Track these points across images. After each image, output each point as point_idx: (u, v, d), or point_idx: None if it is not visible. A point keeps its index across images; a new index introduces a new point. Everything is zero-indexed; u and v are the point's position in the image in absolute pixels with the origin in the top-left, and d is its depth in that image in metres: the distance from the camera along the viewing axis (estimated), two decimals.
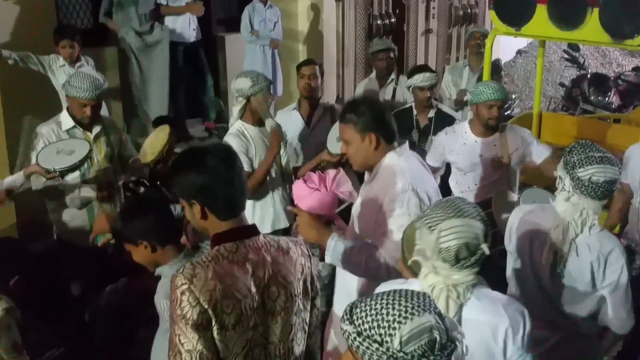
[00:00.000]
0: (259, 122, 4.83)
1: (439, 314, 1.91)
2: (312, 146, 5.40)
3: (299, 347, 2.77)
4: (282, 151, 4.90)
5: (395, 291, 1.94)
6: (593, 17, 5.03)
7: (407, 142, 3.52)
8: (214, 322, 2.46)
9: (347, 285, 3.52)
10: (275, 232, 4.66)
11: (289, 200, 4.65)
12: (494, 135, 4.95)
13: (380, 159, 3.36)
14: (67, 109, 4.78)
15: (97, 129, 4.83)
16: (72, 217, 4.83)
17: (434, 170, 5.00)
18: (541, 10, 5.29)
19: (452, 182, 5.21)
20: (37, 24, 6.56)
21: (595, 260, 3.23)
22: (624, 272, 3.24)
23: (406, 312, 1.87)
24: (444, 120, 5.76)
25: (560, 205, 3.29)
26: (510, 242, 3.50)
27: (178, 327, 2.46)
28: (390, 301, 1.90)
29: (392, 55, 6.86)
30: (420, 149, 5.75)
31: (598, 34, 5.05)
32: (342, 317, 1.94)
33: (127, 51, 7.49)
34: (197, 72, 8.43)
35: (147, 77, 7.65)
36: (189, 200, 2.59)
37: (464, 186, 5.05)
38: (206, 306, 2.44)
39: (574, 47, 10.53)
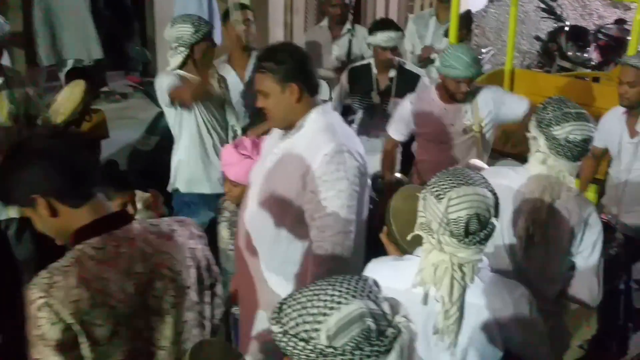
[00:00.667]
0: (201, 75, 4.73)
1: (375, 298, 1.87)
2: (248, 103, 5.25)
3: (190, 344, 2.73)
4: (228, 109, 4.90)
5: (326, 280, 1.91)
6: None
7: (330, 102, 3.52)
8: (82, 339, 2.31)
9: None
10: (217, 196, 4.48)
11: None
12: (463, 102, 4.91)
13: (302, 114, 3.27)
14: None
15: None
16: None
17: (396, 144, 5.17)
18: None
19: (421, 155, 5.13)
20: None
21: (576, 224, 3.26)
22: (600, 237, 3.29)
23: (332, 302, 1.83)
24: (408, 80, 5.62)
25: (535, 168, 3.29)
26: None
27: (37, 351, 2.31)
28: (317, 292, 1.87)
29: (347, 1, 6.62)
30: (381, 111, 5.66)
31: None
32: (271, 316, 1.92)
33: None
34: (120, 17, 8.47)
35: (57, 16, 7.41)
36: (30, 202, 2.39)
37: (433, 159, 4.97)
38: (70, 321, 2.29)
39: None
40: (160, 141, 5.55)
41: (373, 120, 5.75)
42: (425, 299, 2.65)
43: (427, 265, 2.62)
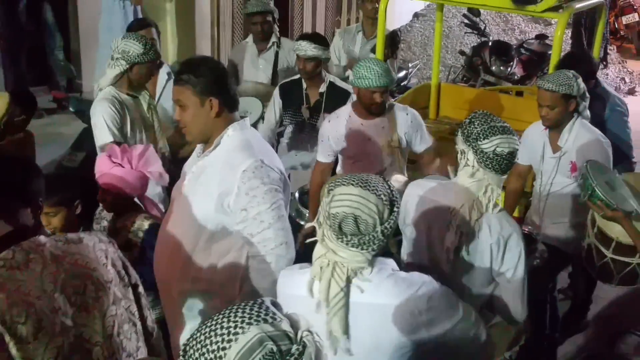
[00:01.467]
0: (134, 94, 4.72)
1: (273, 319, 1.89)
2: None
3: (131, 343, 2.74)
4: (157, 127, 4.86)
5: (219, 314, 1.93)
6: None
7: (247, 118, 3.49)
8: (7, 338, 2.38)
9: None
10: None
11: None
12: (381, 116, 4.86)
13: (221, 130, 3.26)
14: None
15: None
16: None
17: (326, 168, 5.09)
18: None
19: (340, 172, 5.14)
20: None
21: (494, 243, 3.27)
22: (522, 258, 3.30)
23: (229, 334, 1.85)
24: (338, 95, 5.58)
25: (464, 181, 3.31)
26: (405, 223, 3.49)
27: None
28: (213, 327, 1.89)
29: (269, 18, 6.54)
30: (310, 126, 5.68)
31: None
32: (180, 356, 1.96)
33: None
34: (42, 29, 8.29)
35: None
36: None
37: None
38: None
39: (474, 11, 10.55)
40: (86, 158, 5.36)
41: (302, 135, 5.75)
42: (310, 292, 2.67)
43: (314, 258, 2.65)
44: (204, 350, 1.86)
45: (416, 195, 3.49)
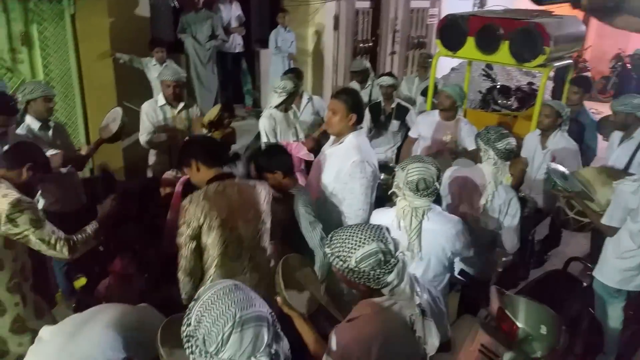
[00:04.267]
0: (286, 110, 4.67)
1: (385, 240, 1.84)
2: (313, 124, 5.34)
3: (264, 243, 2.79)
4: (298, 129, 4.77)
5: (358, 225, 1.90)
6: (504, 47, 5.07)
7: (365, 128, 3.44)
8: (204, 226, 2.53)
9: None
10: None
11: None
12: (452, 121, 4.75)
13: (347, 132, 3.16)
14: (163, 94, 4.68)
15: (180, 105, 4.71)
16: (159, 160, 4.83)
17: (415, 141, 4.97)
18: (470, 41, 5.33)
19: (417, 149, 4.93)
20: (138, 36, 6.53)
21: (502, 203, 3.26)
22: (517, 212, 3.28)
23: (360, 242, 1.83)
24: (402, 110, 5.71)
25: (487, 168, 3.27)
26: (444, 190, 3.42)
27: (180, 232, 2.55)
28: (353, 233, 1.86)
29: (367, 72, 6.57)
30: (384, 127, 5.70)
31: (507, 58, 5.10)
32: (326, 242, 1.93)
33: (189, 57, 7.34)
34: (239, 71, 8.32)
35: (200, 74, 7.44)
36: (189, 162, 2.68)
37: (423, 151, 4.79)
38: (199, 215, 2.52)
39: (489, 66, 10.53)
40: (260, 145, 5.13)
41: (380, 132, 5.77)
42: (399, 226, 2.65)
43: (399, 208, 2.64)
44: (344, 244, 1.85)
45: (452, 174, 3.46)
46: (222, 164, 2.72)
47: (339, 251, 1.84)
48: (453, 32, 5.38)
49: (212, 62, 7.34)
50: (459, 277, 2.96)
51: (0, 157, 2.65)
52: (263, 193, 2.76)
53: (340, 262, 1.84)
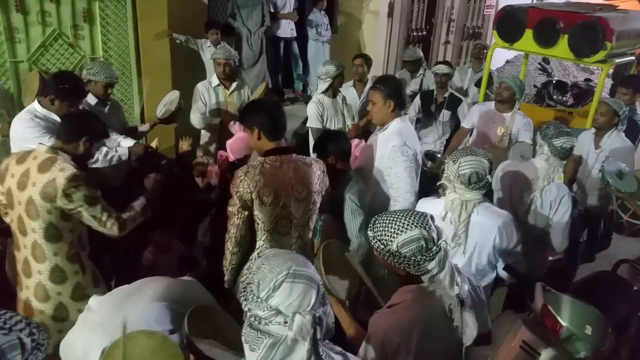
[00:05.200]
0: (334, 95, 4.71)
1: (429, 228, 1.85)
2: (361, 109, 5.31)
3: (312, 223, 2.81)
4: (345, 113, 4.81)
5: (402, 211, 1.91)
6: (563, 41, 5.05)
7: (408, 114, 3.41)
8: (256, 201, 2.55)
9: None
10: None
11: None
12: (508, 113, 4.69)
13: (392, 119, 3.22)
14: (215, 73, 4.81)
15: (233, 86, 4.83)
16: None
17: (468, 131, 5.01)
18: (528, 33, 5.29)
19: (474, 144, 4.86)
20: (194, 18, 6.60)
21: (553, 200, 3.23)
22: (568, 211, 3.23)
23: (402, 227, 1.85)
24: (454, 101, 5.63)
25: (540, 164, 3.25)
26: (496, 184, 3.44)
27: (232, 203, 2.57)
28: (396, 218, 1.88)
29: (420, 62, 6.59)
30: (435, 117, 5.66)
31: (566, 53, 5.07)
32: (369, 225, 1.96)
33: (241, 40, 7.38)
34: (292, 58, 8.32)
35: (249, 56, 7.44)
36: (252, 127, 2.65)
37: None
38: (252, 190, 2.53)
39: (546, 60, 10.42)
40: (307, 129, 5.21)
41: (429, 122, 5.71)
42: (445, 218, 2.68)
43: (448, 201, 2.65)
44: (387, 229, 1.88)
45: (505, 167, 3.45)
46: (282, 137, 2.69)
47: (382, 234, 1.87)
48: (511, 23, 5.40)
49: (262, 47, 7.38)
50: (505, 272, 2.95)
51: (58, 129, 2.70)
52: (318, 172, 2.75)
53: (382, 246, 1.86)
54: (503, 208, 2.96)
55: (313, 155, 3.18)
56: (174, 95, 4.24)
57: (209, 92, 4.77)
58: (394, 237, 1.84)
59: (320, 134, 3.42)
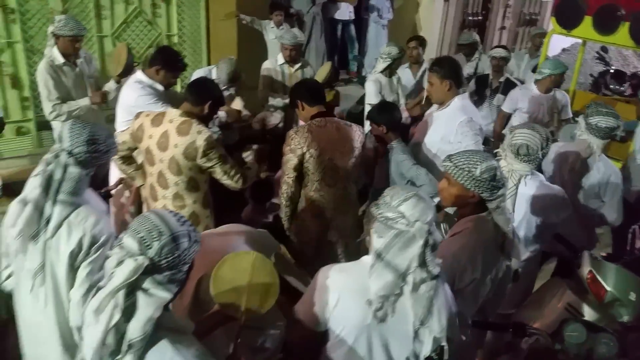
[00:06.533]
0: (390, 75, 4.88)
1: (497, 162, 2.07)
2: (415, 90, 5.44)
3: (354, 175, 3.09)
4: (400, 93, 4.93)
5: (476, 150, 2.19)
6: (624, 28, 4.96)
7: (467, 92, 3.50)
8: (307, 155, 2.86)
9: None
10: None
11: None
12: (549, 94, 4.80)
13: (450, 97, 3.22)
14: (282, 54, 5.06)
15: (297, 65, 5.11)
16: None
17: (509, 115, 5.01)
18: (587, 20, 5.21)
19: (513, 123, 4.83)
20: (260, 0, 6.76)
21: (600, 177, 3.21)
22: (619, 187, 3.19)
23: (482, 158, 2.07)
24: (510, 86, 5.63)
25: (581, 143, 3.23)
26: (546, 165, 3.43)
27: (286, 159, 2.90)
28: (475, 153, 2.12)
29: (475, 45, 6.56)
30: (488, 102, 5.72)
31: (627, 41, 4.98)
32: (444, 160, 2.15)
33: (302, 21, 7.56)
34: (349, 39, 8.45)
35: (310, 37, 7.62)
36: (295, 102, 2.99)
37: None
38: (302, 145, 2.85)
39: (604, 49, 10.11)
40: (362, 109, 5.34)
41: (482, 105, 5.72)
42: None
43: (502, 166, 2.56)
44: (468, 160, 2.07)
45: (553, 151, 3.38)
46: (323, 103, 3.01)
47: (465, 163, 2.05)
48: (570, 9, 5.29)
49: (318, 28, 7.47)
50: (555, 241, 2.96)
51: (186, 94, 2.90)
52: (358, 133, 3.05)
53: (465, 172, 2.04)
54: (554, 182, 2.97)
55: (366, 123, 3.37)
56: (122, 49, 3.98)
57: (275, 69, 5.02)
58: (477, 165, 2.03)
59: (377, 103, 3.54)
